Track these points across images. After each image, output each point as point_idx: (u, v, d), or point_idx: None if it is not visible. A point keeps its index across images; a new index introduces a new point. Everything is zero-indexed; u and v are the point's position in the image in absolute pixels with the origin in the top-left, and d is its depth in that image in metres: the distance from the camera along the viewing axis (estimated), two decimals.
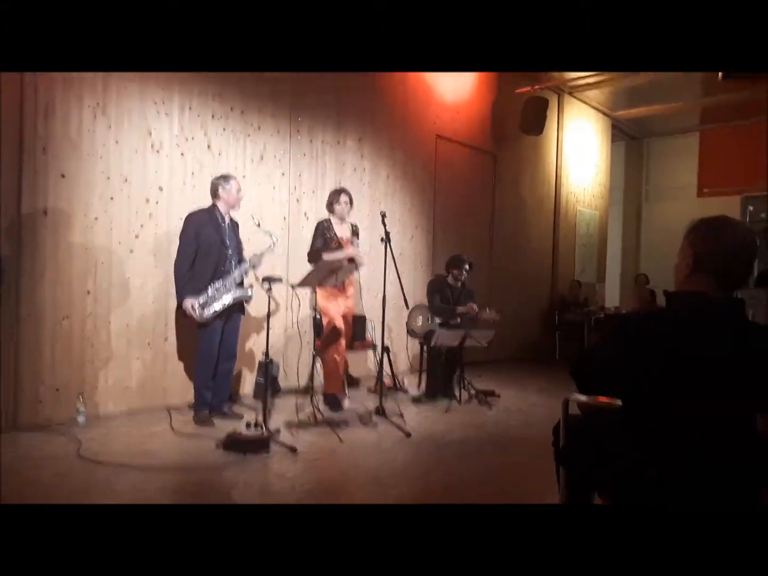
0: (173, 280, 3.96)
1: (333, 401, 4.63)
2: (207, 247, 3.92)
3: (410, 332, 5.29)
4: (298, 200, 5.30)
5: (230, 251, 4.03)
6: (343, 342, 4.53)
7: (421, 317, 5.22)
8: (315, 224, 4.67)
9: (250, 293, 4.01)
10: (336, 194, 4.58)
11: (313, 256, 4.48)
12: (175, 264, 3.92)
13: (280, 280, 3.97)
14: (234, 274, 4.01)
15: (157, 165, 4.32)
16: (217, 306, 3.93)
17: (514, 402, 5.22)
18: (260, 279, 3.95)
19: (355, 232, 4.65)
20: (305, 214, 5.36)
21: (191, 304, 3.85)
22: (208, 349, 4.00)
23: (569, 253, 9.19)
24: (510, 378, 6.45)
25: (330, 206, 4.60)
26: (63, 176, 3.86)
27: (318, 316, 4.67)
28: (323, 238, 4.54)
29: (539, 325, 8.60)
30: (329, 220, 4.59)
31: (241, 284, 4.05)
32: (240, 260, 4.12)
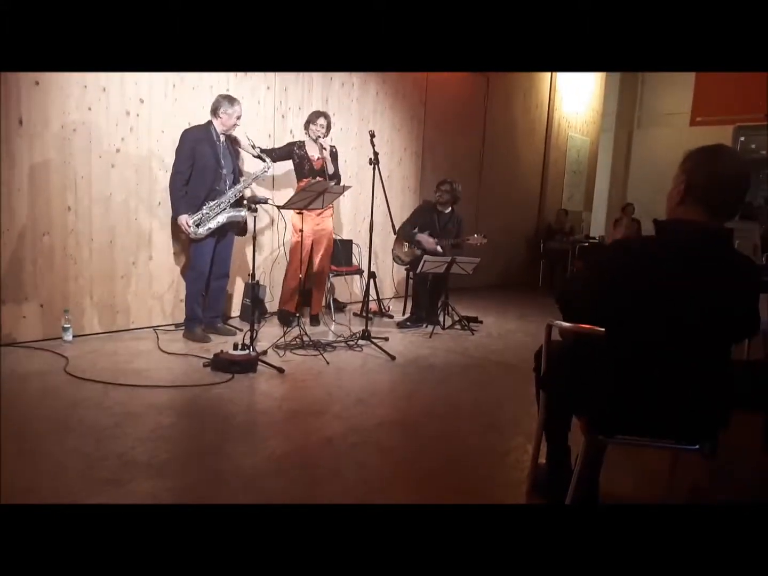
0: (160, 194, 3.93)
1: (284, 318, 4.69)
2: (202, 164, 3.98)
3: (395, 259, 5.31)
4: (283, 116, 5.15)
5: (225, 171, 4.08)
6: (302, 261, 4.56)
7: (406, 244, 5.23)
8: (286, 144, 4.70)
9: (243, 214, 4.06)
10: (314, 116, 4.61)
11: (297, 172, 4.58)
12: (171, 179, 4.01)
13: (265, 201, 3.92)
14: (228, 194, 4.06)
15: (137, 75, 4.13)
16: (212, 224, 4.02)
17: (495, 328, 5.34)
18: (246, 200, 3.93)
19: (333, 155, 4.65)
20: (291, 131, 5.21)
21: (186, 220, 3.95)
22: (200, 265, 4.11)
23: (558, 180, 9.14)
24: (493, 304, 6.56)
25: (306, 126, 4.64)
26: (37, 83, 3.69)
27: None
28: (296, 155, 4.60)
29: (524, 253, 8.68)
30: (303, 141, 4.66)
31: (236, 204, 4.10)
32: (235, 180, 4.16)
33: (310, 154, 4.61)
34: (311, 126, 4.60)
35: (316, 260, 4.74)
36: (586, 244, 8.20)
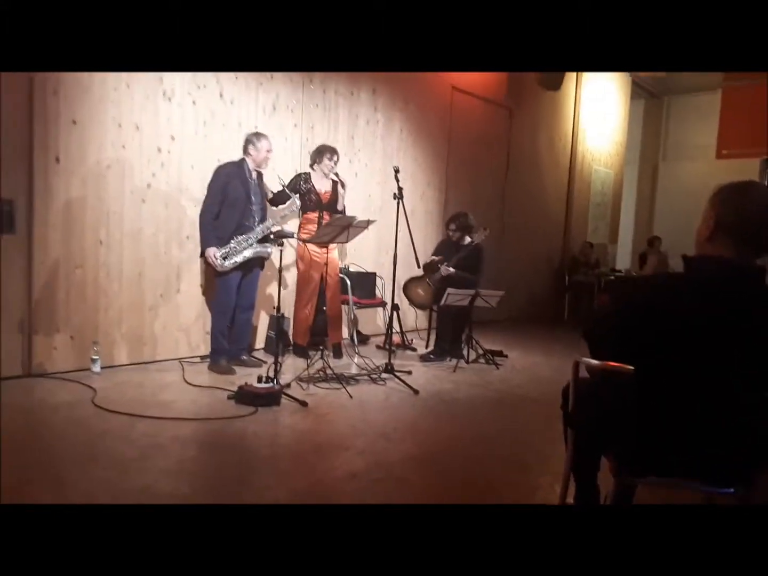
0: (188, 229, 4.00)
1: (300, 352, 4.74)
2: (233, 200, 4.08)
3: (409, 301, 5.31)
4: (309, 152, 5.24)
5: (254, 207, 4.18)
6: (311, 295, 4.70)
7: (419, 289, 5.22)
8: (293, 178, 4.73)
9: (270, 250, 4.15)
10: (326, 152, 4.66)
11: (303, 204, 4.62)
12: (201, 213, 4.10)
13: (292, 235, 3.99)
14: (257, 229, 4.15)
15: (169, 113, 4.27)
16: (238, 258, 4.09)
17: (520, 362, 5.28)
18: (272, 234, 4.00)
19: (341, 185, 4.70)
20: None
21: (213, 253, 4.03)
22: (226, 298, 4.17)
23: (582, 213, 9.11)
24: (518, 338, 6.50)
25: (315, 160, 4.70)
26: (75, 122, 3.83)
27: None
28: (302, 188, 4.64)
29: (549, 285, 8.61)
30: (308, 174, 4.72)
31: (262, 240, 4.19)
32: (263, 217, 4.26)
33: (317, 187, 4.68)
34: (324, 161, 4.65)
35: (329, 293, 4.77)
36: (612, 277, 8.11)
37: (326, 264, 4.72)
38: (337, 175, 4.70)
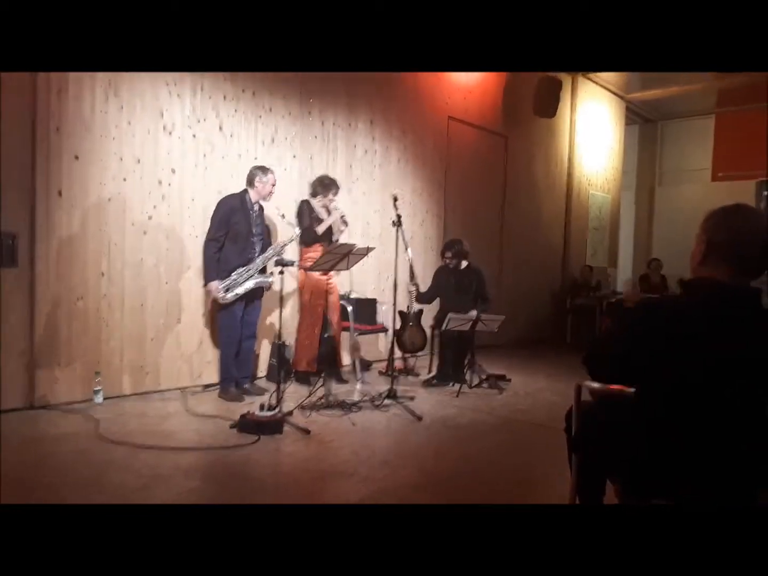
0: (189, 259, 4.03)
1: (301, 379, 4.73)
2: (235, 233, 4.13)
3: (406, 352, 5.27)
4: (310, 182, 5.30)
5: (255, 239, 4.24)
6: (316, 321, 4.72)
7: (413, 338, 5.18)
8: (298, 206, 4.79)
9: (270, 280, 4.19)
10: (332, 186, 4.72)
11: (306, 235, 4.62)
12: (205, 245, 4.15)
13: (292, 263, 4.01)
14: (257, 261, 4.19)
15: (170, 146, 4.33)
16: (239, 290, 4.13)
17: (524, 386, 5.26)
18: (273, 263, 4.03)
19: (343, 222, 4.76)
20: None
21: (216, 287, 4.07)
22: (231, 327, 4.22)
23: (581, 237, 9.14)
24: (521, 362, 6.48)
25: (318, 192, 4.74)
26: (77, 158, 3.89)
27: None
28: (309, 217, 4.69)
29: (550, 309, 8.61)
30: (308, 200, 4.76)
31: (263, 271, 4.24)
32: (264, 248, 4.29)
33: (321, 217, 4.75)
34: (329, 196, 4.70)
35: (334, 317, 4.80)
36: (614, 300, 8.11)
37: (328, 291, 4.76)
38: (336, 209, 4.73)
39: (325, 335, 4.79)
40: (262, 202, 4.34)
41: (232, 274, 4.11)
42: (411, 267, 4.87)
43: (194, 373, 4.57)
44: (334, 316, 4.79)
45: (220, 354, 4.33)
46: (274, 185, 4.28)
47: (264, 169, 4.25)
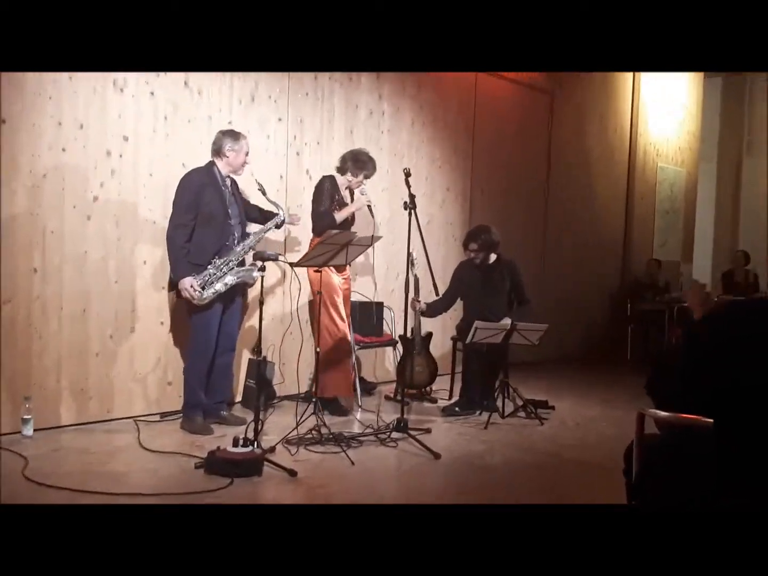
0: (146, 252, 4.04)
1: (336, 408, 4.77)
2: (208, 216, 4.16)
3: (411, 388, 5.27)
4: (298, 153, 5.32)
5: (233, 222, 4.27)
6: (347, 331, 4.77)
7: (417, 366, 5.19)
8: (317, 182, 4.82)
9: (256, 274, 4.12)
10: (365, 165, 4.76)
11: (322, 220, 4.61)
12: (169, 235, 4.16)
13: (276, 257, 4.02)
14: (238, 249, 4.22)
15: (121, 107, 4.36)
16: (219, 286, 4.15)
17: (571, 415, 5.26)
18: (253, 256, 4.06)
19: (371, 211, 4.84)
20: (307, 171, 5.37)
21: (190, 284, 4.08)
22: (205, 338, 4.23)
23: (647, 223, 9.13)
24: (567, 384, 6.47)
25: (347, 169, 4.77)
26: (3, 122, 3.92)
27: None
28: (331, 199, 4.71)
29: (606, 316, 8.59)
30: (334, 177, 4.79)
31: (242, 263, 4.27)
32: (243, 233, 4.34)
33: (345, 201, 4.80)
34: (360, 177, 4.77)
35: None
36: (687, 304, 8.09)
37: (345, 288, 4.85)
38: (364, 195, 4.79)
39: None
40: (235, 176, 4.37)
41: (209, 266, 4.14)
42: (416, 282, 4.88)
43: (151, 398, 4.60)
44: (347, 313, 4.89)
45: (187, 371, 4.34)
46: (247, 154, 4.31)
47: (234, 135, 4.27)
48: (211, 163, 4.27)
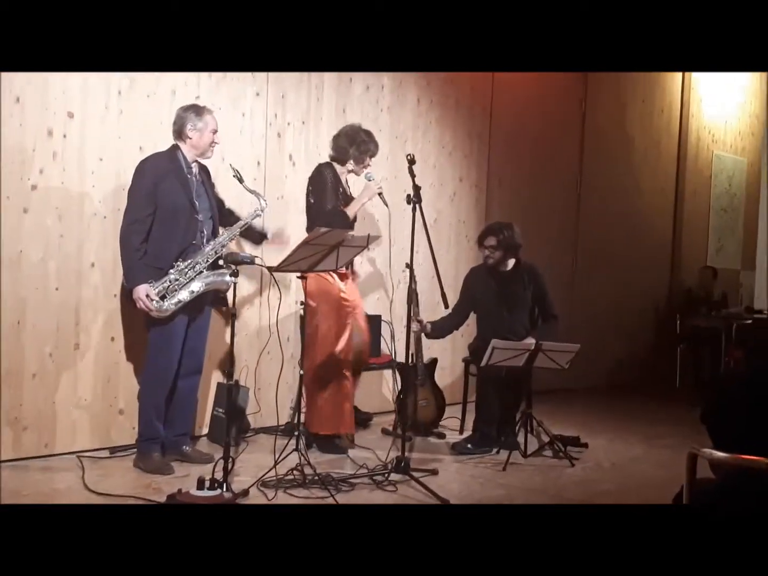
0: (94, 252, 4.02)
1: (329, 446, 4.76)
2: (170, 209, 4.14)
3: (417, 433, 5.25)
4: (279, 135, 5.32)
5: (201, 217, 4.24)
6: (345, 355, 4.72)
7: (420, 400, 5.22)
8: (313, 171, 4.82)
9: (229, 279, 4.11)
10: (367, 147, 4.77)
11: (332, 221, 4.53)
12: (123, 233, 4.14)
13: (251, 260, 4.00)
14: (206, 250, 4.19)
15: (66, 79, 4.34)
16: (183, 295, 4.11)
17: (608, 454, 5.24)
18: (223, 258, 4.05)
19: (383, 201, 4.81)
20: (290, 156, 5.37)
21: (146, 292, 4.04)
22: (165, 357, 4.21)
23: (700, 222, 9.14)
24: (603, 417, 6.47)
25: (348, 151, 4.76)
26: None
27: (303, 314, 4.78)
28: (336, 193, 4.71)
29: (651, 336, 8.58)
30: (333, 165, 4.80)
31: (214, 266, 4.22)
32: (215, 229, 4.32)
33: (350, 193, 4.83)
34: (365, 161, 4.77)
35: (365, 349, 4.91)
36: (749, 321, 8.06)
37: (353, 302, 4.83)
38: (372, 180, 4.79)
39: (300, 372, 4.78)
40: (203, 161, 4.36)
41: (170, 271, 4.11)
42: (416, 297, 4.85)
43: (98, 430, 4.57)
44: (362, 339, 4.89)
45: (143, 398, 4.31)
46: (215, 132, 4.27)
47: (196, 110, 4.24)
48: (174, 147, 4.26)
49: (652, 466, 4.99)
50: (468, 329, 5.71)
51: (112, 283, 4.47)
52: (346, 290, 4.77)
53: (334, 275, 4.65)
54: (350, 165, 4.81)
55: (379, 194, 4.75)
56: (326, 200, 4.66)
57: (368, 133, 4.84)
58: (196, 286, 4.15)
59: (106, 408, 4.59)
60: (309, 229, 4.69)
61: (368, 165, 4.81)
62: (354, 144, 4.77)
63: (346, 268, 4.71)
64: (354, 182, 4.97)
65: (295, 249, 4.15)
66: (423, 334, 5.20)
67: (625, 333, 8.18)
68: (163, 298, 4.08)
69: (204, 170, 4.39)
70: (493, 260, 5.15)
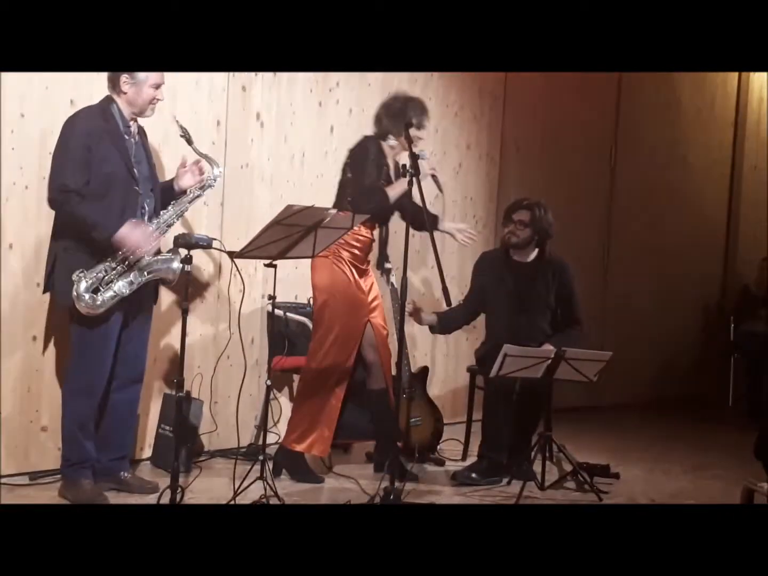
0: (11, 227, 4.02)
1: (301, 472, 4.80)
2: (104, 178, 4.11)
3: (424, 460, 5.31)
4: (244, 89, 5.31)
5: (141, 187, 4.24)
6: (343, 368, 4.79)
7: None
8: (356, 144, 4.87)
9: (175, 266, 4.15)
10: (414, 112, 4.82)
11: (368, 199, 4.63)
12: (56, 203, 4.08)
13: (208, 243, 4.00)
14: (150, 228, 4.16)
15: None
16: (120, 286, 4.08)
17: (644, 487, 5.27)
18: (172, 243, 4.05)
19: (438, 185, 4.92)
20: (258, 115, 5.37)
21: (76, 287, 3.99)
22: (92, 365, 4.19)
23: (760, 205, 9.15)
24: (639, 441, 6.50)
25: (379, 125, 4.87)
26: None
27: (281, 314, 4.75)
28: (378, 169, 4.77)
29: (697, 343, 8.61)
30: (377, 142, 4.87)
31: (156, 251, 4.22)
32: (156, 205, 4.31)
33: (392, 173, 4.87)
34: (402, 134, 4.71)
35: (382, 355, 4.89)
36: None
37: (373, 305, 4.88)
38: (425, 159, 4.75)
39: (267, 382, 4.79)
40: (141, 121, 4.34)
41: (104, 258, 4.08)
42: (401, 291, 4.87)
43: (16, 451, 4.55)
44: (381, 352, 4.88)
45: (66, 414, 4.28)
46: (158, 87, 4.24)
47: None
48: (108, 100, 4.22)
49: (698, 502, 5.01)
50: (474, 332, 5.72)
51: (35, 269, 4.42)
52: (365, 288, 4.84)
53: (352, 267, 4.72)
54: (391, 140, 4.84)
55: (433, 177, 4.78)
56: (365, 175, 4.68)
57: (407, 101, 4.87)
58: (136, 276, 4.14)
59: (25, 424, 4.57)
60: (335, 206, 4.70)
61: (413, 141, 4.67)
62: (389, 114, 4.82)
63: (364, 263, 4.77)
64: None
65: (263, 230, 4.14)
66: (428, 328, 5.18)
67: (667, 339, 8.21)
68: (95, 291, 4.05)
69: (142, 131, 4.37)
70: (517, 240, 5.17)
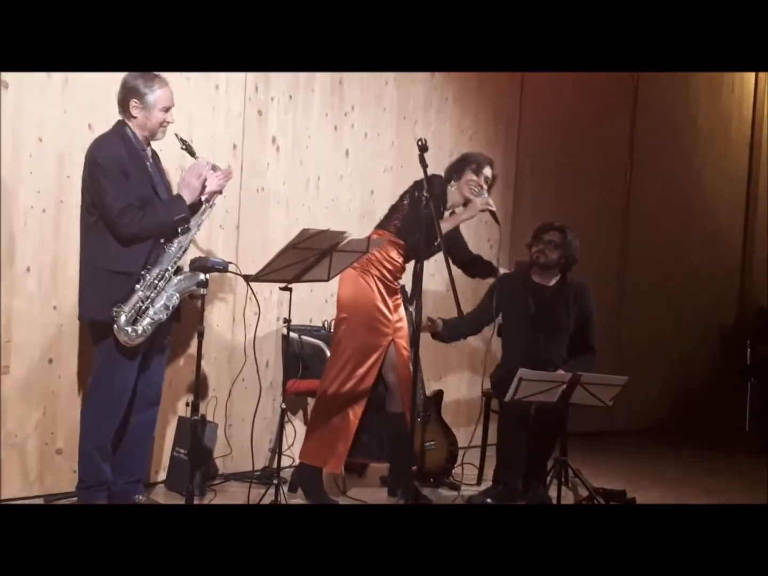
0: (30, 252, 4.03)
1: (315, 491, 4.80)
2: (139, 201, 4.13)
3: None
4: (260, 113, 5.33)
5: None
6: (361, 385, 4.78)
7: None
8: (423, 178, 4.74)
9: (201, 278, 4.12)
10: (481, 162, 4.94)
11: (418, 226, 4.50)
12: (121, 224, 4.08)
13: (224, 267, 4.01)
14: (170, 251, 4.17)
15: None
16: (156, 311, 4.08)
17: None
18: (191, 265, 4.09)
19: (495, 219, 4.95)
20: (274, 139, 5.39)
21: (122, 323, 4.00)
22: (117, 385, 4.20)
23: None
24: (656, 466, 6.48)
25: (461, 173, 4.95)
26: None
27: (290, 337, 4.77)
28: (436, 205, 4.72)
29: (713, 367, 8.57)
30: (442, 178, 4.98)
31: (177, 270, 4.22)
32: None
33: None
34: (471, 177, 4.88)
35: (402, 376, 4.88)
36: None
37: (398, 325, 4.90)
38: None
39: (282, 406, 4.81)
40: (154, 145, 4.37)
41: (136, 287, 4.07)
42: (418, 309, 4.88)
43: (31, 473, 4.56)
44: (401, 374, 4.88)
45: (85, 435, 4.28)
46: (168, 110, 4.22)
47: (147, 81, 4.17)
48: (122, 124, 4.23)
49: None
50: (489, 355, 5.72)
51: (52, 291, 4.47)
52: (392, 305, 4.86)
53: (379, 282, 4.74)
54: (453, 186, 4.95)
55: (490, 212, 4.85)
56: (421, 206, 4.65)
57: (484, 155, 5.06)
58: (171, 298, 4.13)
59: (41, 447, 4.58)
60: (380, 227, 4.89)
61: (476, 186, 4.89)
62: (460, 160, 5.00)
63: (394, 283, 4.82)
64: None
65: (278, 254, 4.16)
66: (436, 337, 5.18)
67: (682, 362, 8.18)
68: (134, 322, 4.04)
69: (154, 154, 4.41)
70: (546, 259, 5.17)
